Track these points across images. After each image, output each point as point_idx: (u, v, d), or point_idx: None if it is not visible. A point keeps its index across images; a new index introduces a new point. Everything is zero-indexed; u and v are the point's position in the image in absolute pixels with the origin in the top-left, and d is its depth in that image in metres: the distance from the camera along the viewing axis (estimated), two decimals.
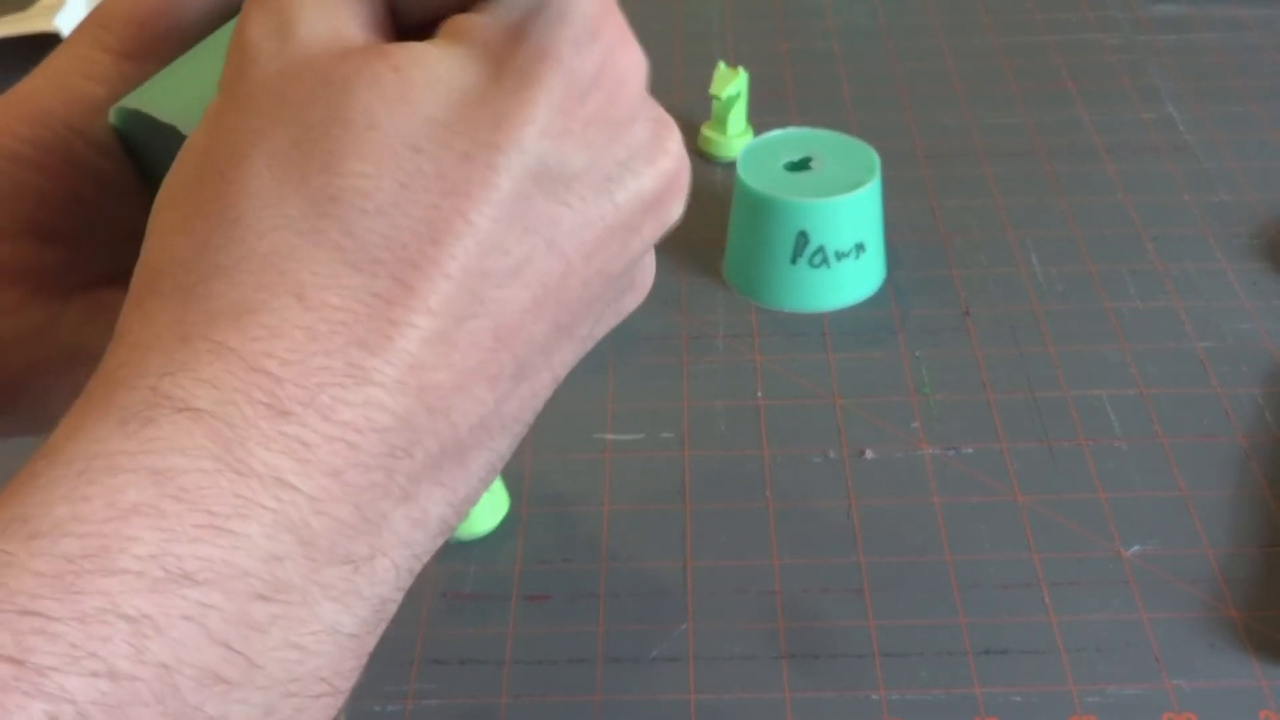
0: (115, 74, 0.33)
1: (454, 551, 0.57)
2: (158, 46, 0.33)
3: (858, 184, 0.67)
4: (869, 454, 0.61)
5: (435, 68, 0.27)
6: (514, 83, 0.27)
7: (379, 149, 0.26)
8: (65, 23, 0.88)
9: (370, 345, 0.25)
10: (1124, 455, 0.60)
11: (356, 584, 0.25)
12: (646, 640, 0.53)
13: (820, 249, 0.67)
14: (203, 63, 0.32)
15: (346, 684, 0.25)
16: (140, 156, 0.34)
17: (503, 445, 0.28)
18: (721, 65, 0.79)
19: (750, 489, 0.59)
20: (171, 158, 0.33)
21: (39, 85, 0.33)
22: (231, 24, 0.33)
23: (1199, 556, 0.55)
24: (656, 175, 0.29)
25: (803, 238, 0.67)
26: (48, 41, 0.88)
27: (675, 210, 0.30)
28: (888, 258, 0.71)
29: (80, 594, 0.21)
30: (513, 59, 0.27)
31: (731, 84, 0.78)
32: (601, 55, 0.27)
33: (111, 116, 0.33)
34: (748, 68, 0.81)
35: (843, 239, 0.67)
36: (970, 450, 0.61)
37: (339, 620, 0.24)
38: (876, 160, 0.69)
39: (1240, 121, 0.83)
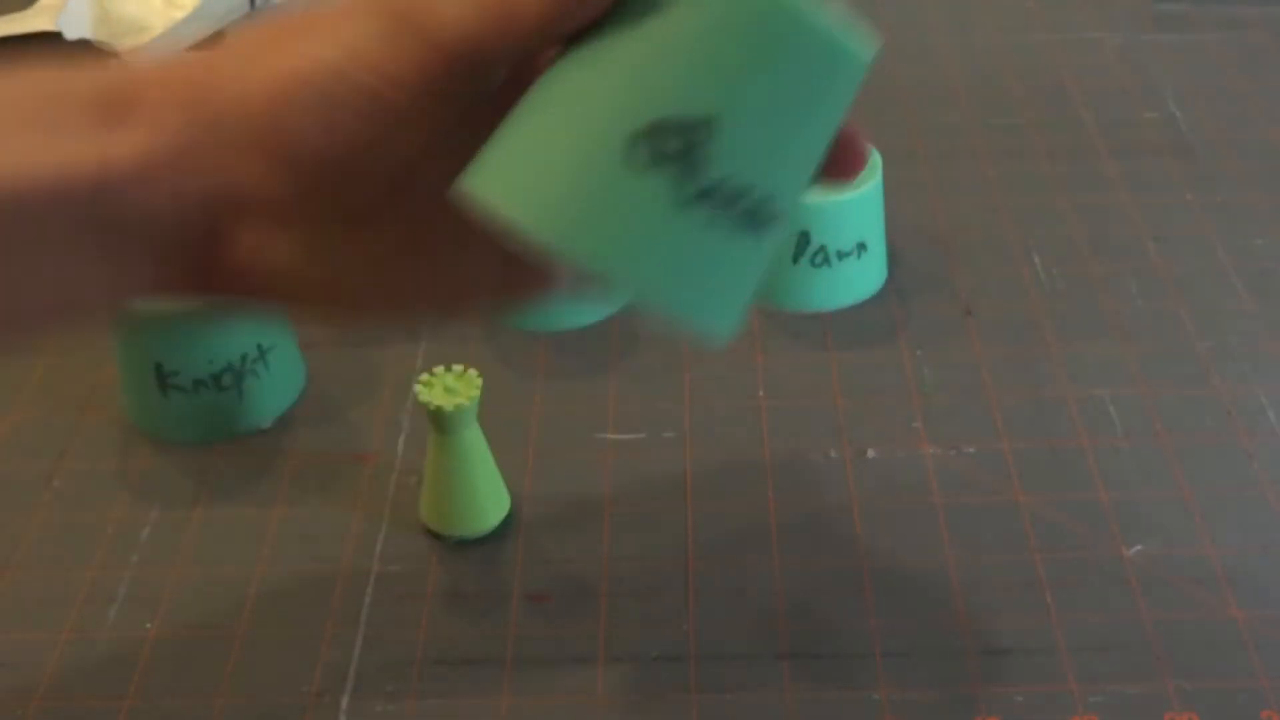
0: None
1: (454, 551, 0.57)
2: None
3: (859, 184, 0.67)
4: (870, 454, 0.61)
5: None
6: None
7: None
8: (66, 23, 0.87)
9: None
10: (1125, 455, 0.60)
11: None
12: (646, 640, 0.53)
13: (821, 249, 0.67)
14: (539, 131, 0.32)
15: None
16: None
17: None
18: None
19: (751, 489, 0.59)
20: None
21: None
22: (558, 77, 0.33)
23: (1200, 556, 0.55)
24: None
25: (804, 238, 0.67)
26: (49, 41, 0.88)
27: None
28: (889, 258, 0.71)
29: None
30: None
31: None
32: None
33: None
34: None
35: (844, 239, 0.67)
36: (971, 450, 0.61)
37: None
38: (877, 160, 0.69)
39: (1242, 121, 0.83)
